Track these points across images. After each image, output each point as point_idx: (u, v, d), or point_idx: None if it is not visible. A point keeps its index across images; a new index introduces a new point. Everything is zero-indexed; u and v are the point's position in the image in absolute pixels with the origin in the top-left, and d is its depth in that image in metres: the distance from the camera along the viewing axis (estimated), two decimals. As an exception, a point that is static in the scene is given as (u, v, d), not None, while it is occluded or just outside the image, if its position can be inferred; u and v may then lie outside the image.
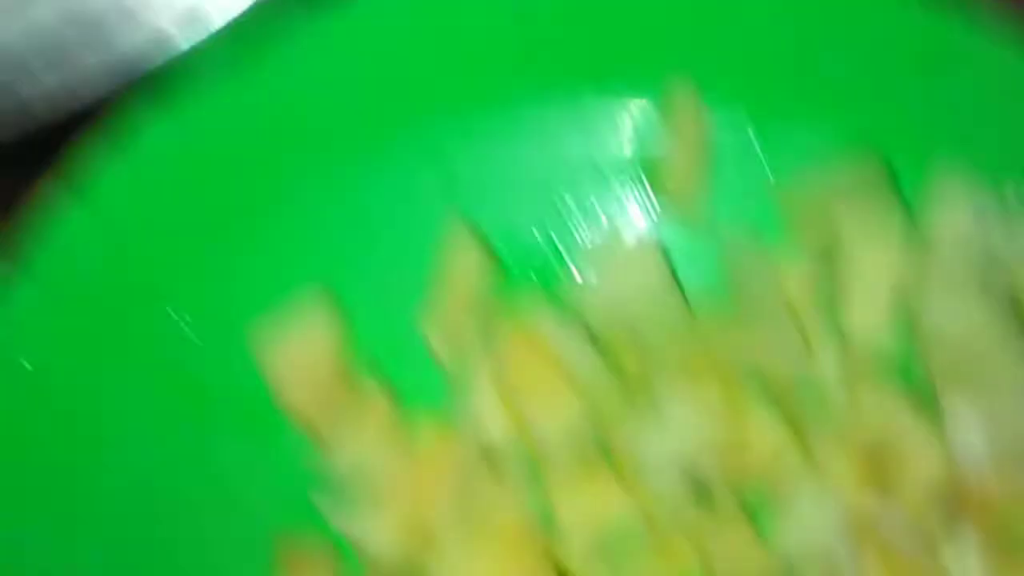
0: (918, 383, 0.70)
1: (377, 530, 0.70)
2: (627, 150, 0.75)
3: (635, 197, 0.75)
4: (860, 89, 0.73)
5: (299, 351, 0.74)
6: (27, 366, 0.72)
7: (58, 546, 0.72)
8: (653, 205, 0.75)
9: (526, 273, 0.75)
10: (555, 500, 0.70)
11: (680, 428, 0.68)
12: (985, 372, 0.64)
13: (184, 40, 0.75)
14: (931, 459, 0.65)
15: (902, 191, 0.72)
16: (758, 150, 0.74)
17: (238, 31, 0.75)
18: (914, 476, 0.65)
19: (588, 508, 0.70)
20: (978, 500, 0.65)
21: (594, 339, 0.72)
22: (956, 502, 0.64)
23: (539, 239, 0.75)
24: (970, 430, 0.63)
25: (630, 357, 0.71)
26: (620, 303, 0.71)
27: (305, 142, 0.74)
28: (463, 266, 0.73)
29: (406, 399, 0.75)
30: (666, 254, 0.73)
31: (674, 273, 0.73)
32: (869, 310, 0.69)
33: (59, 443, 0.72)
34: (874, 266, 0.69)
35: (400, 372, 0.75)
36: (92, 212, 0.72)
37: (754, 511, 0.72)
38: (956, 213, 0.68)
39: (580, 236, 0.75)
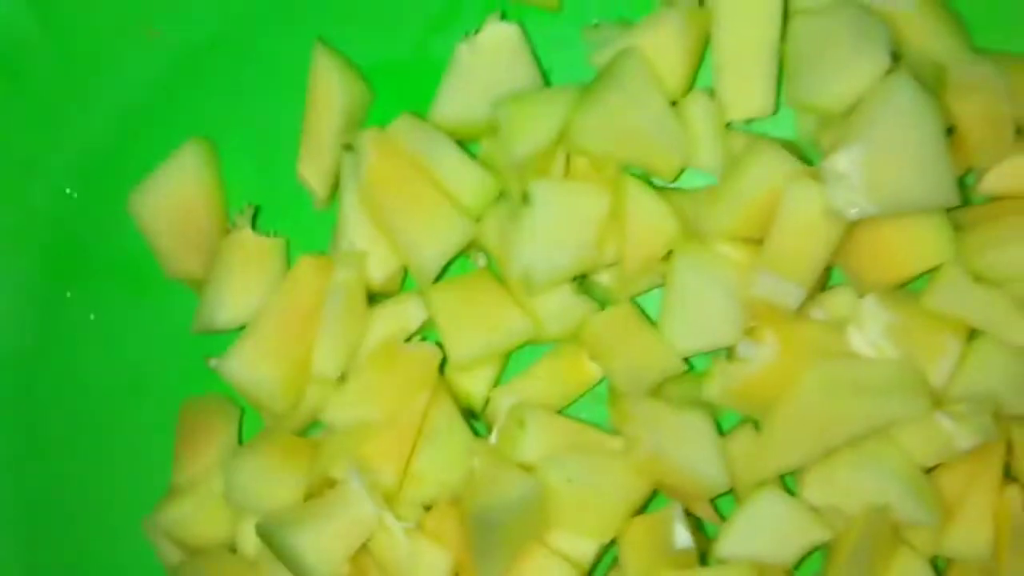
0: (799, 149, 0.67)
1: (262, 374, 0.68)
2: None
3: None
4: None
5: (178, 207, 0.72)
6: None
7: None
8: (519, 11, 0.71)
9: (396, 93, 0.72)
10: (442, 326, 0.68)
11: (556, 231, 0.64)
12: (864, 120, 0.61)
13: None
14: (810, 208, 0.61)
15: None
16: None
17: None
18: (792, 227, 0.61)
19: (478, 327, 0.67)
20: (856, 246, 0.62)
21: (465, 147, 0.70)
22: (832, 249, 0.61)
23: (406, 56, 0.72)
24: (846, 163, 0.59)
25: (503, 162, 0.68)
26: (487, 102, 0.68)
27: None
28: (331, 96, 0.70)
29: (290, 245, 0.73)
30: (535, 54, 0.70)
31: (546, 76, 0.70)
32: (743, 82, 0.65)
33: None
34: (747, 36, 0.65)
35: (282, 219, 0.73)
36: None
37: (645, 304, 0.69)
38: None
39: (446, 47, 0.71)
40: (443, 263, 0.68)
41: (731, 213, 0.63)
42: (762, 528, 0.63)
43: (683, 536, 0.64)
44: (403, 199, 0.68)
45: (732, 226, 0.63)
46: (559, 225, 0.65)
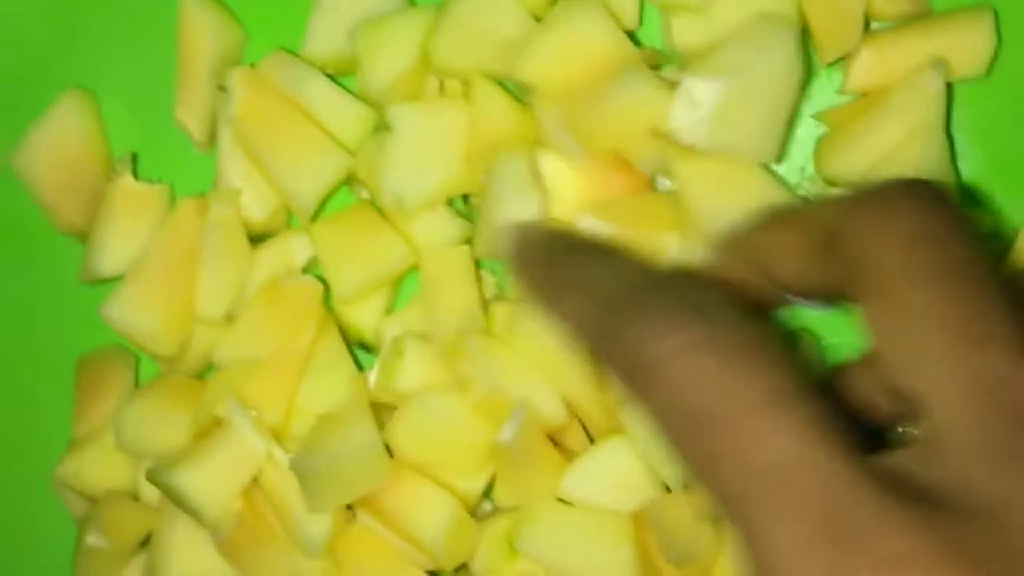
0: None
1: (145, 318, 0.68)
2: None
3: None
4: None
5: (61, 160, 0.72)
6: None
7: None
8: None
9: (271, 31, 0.71)
10: (324, 260, 0.68)
11: (420, 153, 0.64)
12: (736, 59, 0.61)
13: None
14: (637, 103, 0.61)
15: None
16: None
17: None
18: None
19: (359, 258, 0.66)
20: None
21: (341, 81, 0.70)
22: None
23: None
24: (704, 93, 0.60)
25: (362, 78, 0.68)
26: (352, 18, 0.67)
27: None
28: (202, 38, 0.70)
29: (174, 191, 0.73)
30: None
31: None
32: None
33: None
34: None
35: (164, 165, 0.73)
36: None
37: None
38: None
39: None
40: (320, 197, 0.68)
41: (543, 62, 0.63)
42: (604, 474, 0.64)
43: (507, 432, 0.63)
44: (277, 135, 0.68)
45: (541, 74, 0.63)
46: (422, 146, 0.65)
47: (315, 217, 0.69)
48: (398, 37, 0.66)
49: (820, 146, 0.65)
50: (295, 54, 0.69)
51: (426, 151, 0.65)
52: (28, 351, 0.75)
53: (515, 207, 0.63)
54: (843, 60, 0.65)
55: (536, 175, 0.64)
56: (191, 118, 0.71)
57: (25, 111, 0.73)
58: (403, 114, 0.65)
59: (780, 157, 0.64)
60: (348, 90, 0.69)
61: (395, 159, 0.65)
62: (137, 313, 0.68)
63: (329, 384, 0.67)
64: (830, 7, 0.62)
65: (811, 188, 0.67)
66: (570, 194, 0.65)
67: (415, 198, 0.65)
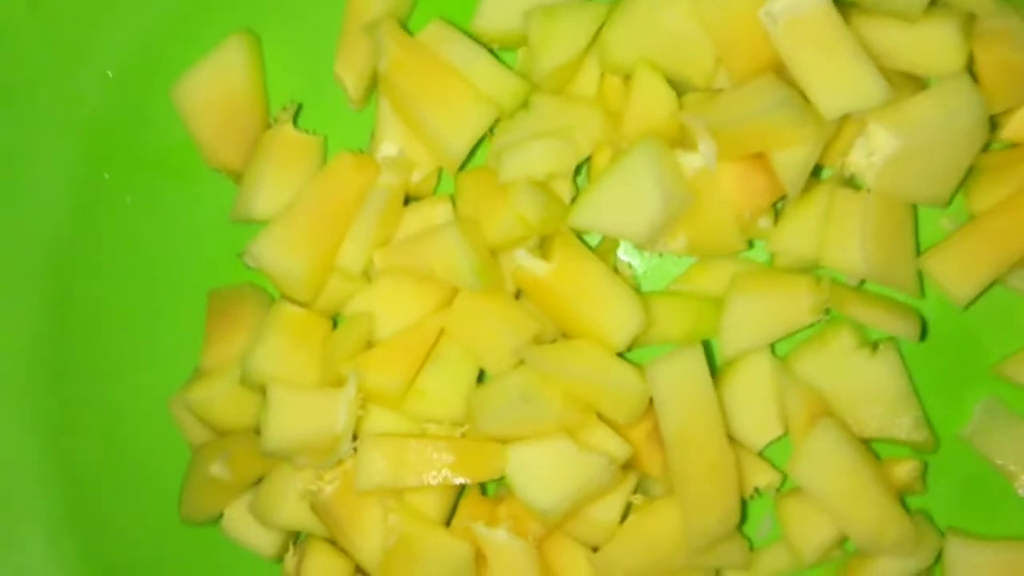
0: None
1: (288, 260, 0.71)
2: None
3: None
4: None
5: (220, 99, 0.76)
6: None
7: (5, 298, 0.79)
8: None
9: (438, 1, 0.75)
10: (464, 211, 0.72)
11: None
12: (919, 115, 0.65)
13: None
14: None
15: None
16: None
17: None
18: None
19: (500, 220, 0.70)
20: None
21: (492, 47, 0.73)
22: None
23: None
24: (883, 142, 0.64)
25: (529, 59, 0.71)
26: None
27: None
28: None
29: (328, 142, 0.76)
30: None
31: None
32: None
33: None
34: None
35: (322, 116, 0.77)
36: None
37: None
38: None
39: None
40: (468, 148, 0.72)
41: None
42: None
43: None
44: (426, 89, 0.72)
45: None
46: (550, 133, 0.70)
47: (463, 167, 0.74)
48: (571, 27, 0.70)
49: (971, 186, 0.68)
50: (459, 26, 0.74)
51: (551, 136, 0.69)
52: (164, 277, 0.79)
53: (647, 188, 0.66)
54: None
55: (677, 171, 0.68)
56: (349, 74, 0.76)
57: (190, 47, 0.77)
58: (544, 102, 0.70)
59: (948, 203, 0.68)
60: (505, 64, 0.74)
61: (519, 137, 0.69)
62: (281, 256, 0.72)
63: (453, 372, 0.71)
64: (1002, 60, 0.66)
65: (950, 224, 0.70)
66: (708, 193, 0.69)
67: (514, 173, 0.69)
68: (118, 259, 0.79)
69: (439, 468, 0.71)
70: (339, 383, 0.72)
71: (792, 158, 0.66)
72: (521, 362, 0.71)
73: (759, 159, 0.68)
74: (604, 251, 0.74)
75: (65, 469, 0.80)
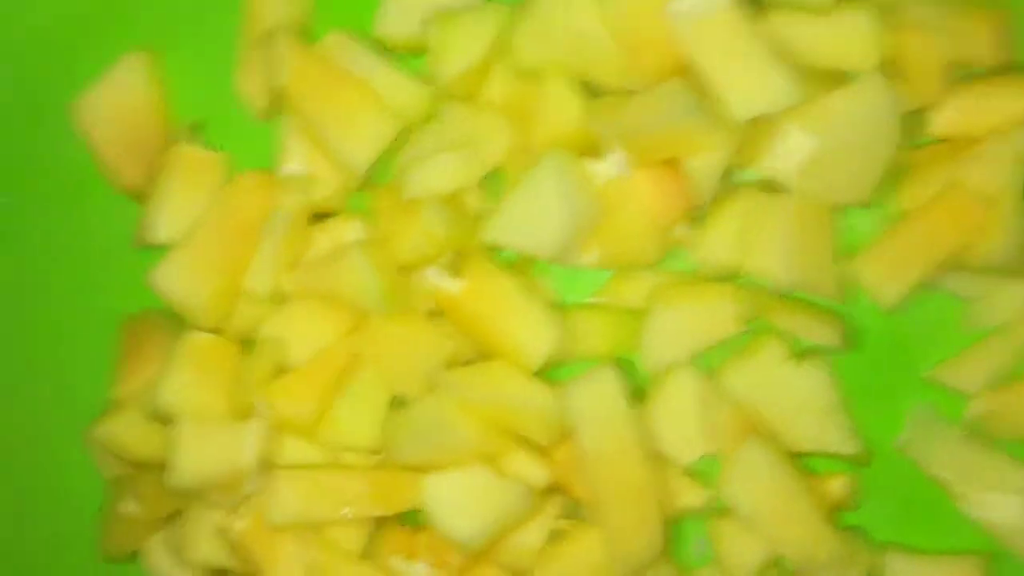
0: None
1: (191, 287, 0.69)
2: None
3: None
4: None
5: (121, 117, 0.73)
6: None
7: None
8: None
9: (340, 5, 0.72)
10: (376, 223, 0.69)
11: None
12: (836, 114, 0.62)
13: None
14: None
15: None
16: None
17: None
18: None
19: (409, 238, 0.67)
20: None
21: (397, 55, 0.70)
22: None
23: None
24: (798, 144, 0.61)
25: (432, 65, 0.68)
26: (427, 2, 0.68)
27: None
28: (269, 6, 0.71)
29: (234, 160, 0.73)
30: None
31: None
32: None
33: None
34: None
35: (226, 132, 0.74)
36: None
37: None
38: None
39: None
40: (369, 161, 0.69)
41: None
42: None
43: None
44: (326, 101, 0.69)
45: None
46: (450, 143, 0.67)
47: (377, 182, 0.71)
48: (472, 31, 0.67)
49: (901, 184, 0.65)
50: (362, 33, 0.70)
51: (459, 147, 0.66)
52: (72, 306, 0.76)
53: (554, 202, 0.64)
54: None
55: (585, 182, 0.65)
56: (251, 87, 0.73)
57: (88, 65, 0.74)
58: (452, 111, 0.67)
59: (870, 203, 0.65)
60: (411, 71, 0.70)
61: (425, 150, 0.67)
62: (185, 283, 0.69)
63: (367, 400, 0.69)
64: (927, 50, 0.63)
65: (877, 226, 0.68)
66: (621, 202, 0.66)
67: (419, 188, 0.67)
68: (25, 287, 0.76)
69: (353, 501, 0.68)
70: (249, 413, 0.69)
71: (704, 164, 0.63)
72: (436, 386, 0.69)
73: (672, 165, 0.65)
74: (522, 265, 0.71)
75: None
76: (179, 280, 0.70)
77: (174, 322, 0.75)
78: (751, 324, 0.68)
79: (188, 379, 0.70)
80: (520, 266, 0.71)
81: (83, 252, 0.76)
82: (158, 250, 0.72)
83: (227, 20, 0.73)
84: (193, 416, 0.69)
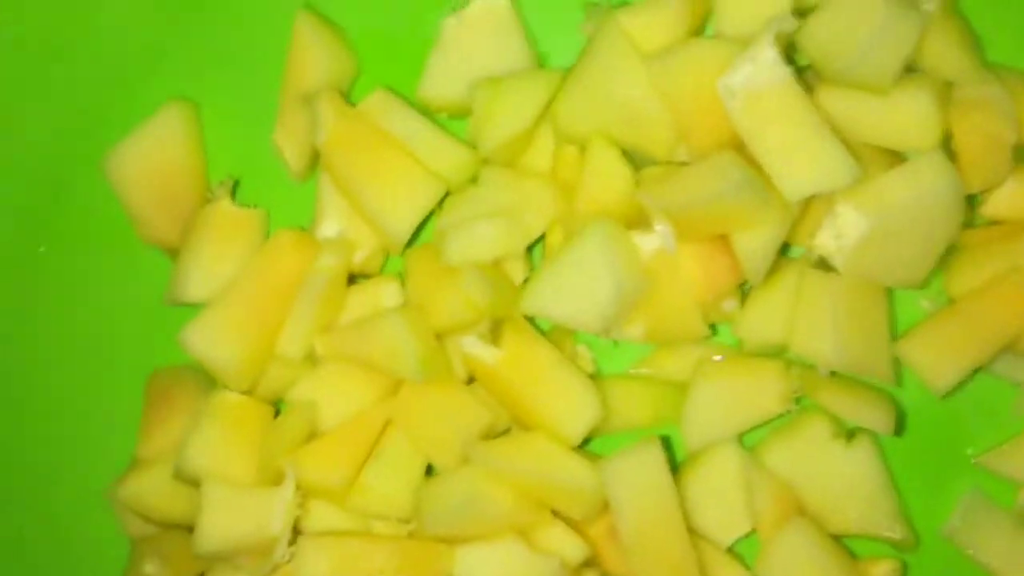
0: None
1: (223, 348, 0.67)
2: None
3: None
4: None
5: (155, 171, 0.72)
6: None
7: None
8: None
9: (385, 67, 0.71)
10: (413, 286, 0.67)
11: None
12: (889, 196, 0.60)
13: None
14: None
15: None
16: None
17: None
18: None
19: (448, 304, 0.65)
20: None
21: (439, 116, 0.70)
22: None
23: (398, 28, 0.71)
24: (852, 224, 0.60)
25: (476, 129, 0.67)
26: (472, 66, 0.67)
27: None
28: (311, 65, 0.70)
29: (270, 217, 0.72)
30: (526, 24, 0.69)
31: (543, 58, 0.69)
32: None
33: None
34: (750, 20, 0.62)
35: (263, 190, 0.73)
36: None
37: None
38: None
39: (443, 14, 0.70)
40: (411, 228, 0.68)
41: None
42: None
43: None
44: (367, 163, 0.68)
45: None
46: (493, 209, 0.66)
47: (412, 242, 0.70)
48: (520, 98, 0.66)
49: (951, 266, 0.64)
50: (403, 95, 0.70)
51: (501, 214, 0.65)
52: (99, 359, 0.75)
53: (600, 275, 0.63)
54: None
55: (632, 255, 0.64)
56: (289, 146, 0.72)
57: (124, 116, 0.72)
58: (495, 176, 0.66)
59: (925, 285, 0.64)
60: (454, 134, 0.70)
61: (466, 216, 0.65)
62: (217, 343, 0.68)
63: (399, 467, 0.67)
64: (982, 132, 0.62)
65: (928, 306, 0.66)
66: (667, 277, 0.65)
67: (459, 255, 0.65)
68: (53, 337, 0.75)
69: (383, 571, 0.66)
70: (279, 477, 0.68)
71: (754, 241, 0.62)
72: (470, 457, 0.67)
73: (721, 240, 0.64)
74: (560, 335, 0.69)
75: (1, 562, 0.76)
76: (211, 340, 0.68)
77: (202, 379, 0.74)
78: (796, 403, 0.67)
79: (216, 440, 0.69)
80: (559, 334, 0.70)
81: (112, 305, 0.74)
82: (189, 306, 0.71)
83: (266, 76, 0.72)
84: (221, 478, 0.68)
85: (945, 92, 0.62)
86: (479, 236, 0.66)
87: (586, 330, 0.64)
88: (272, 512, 0.67)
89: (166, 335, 0.72)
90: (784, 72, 0.60)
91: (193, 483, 0.69)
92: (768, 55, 0.60)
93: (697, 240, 0.64)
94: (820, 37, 0.61)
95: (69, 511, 0.76)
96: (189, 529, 0.71)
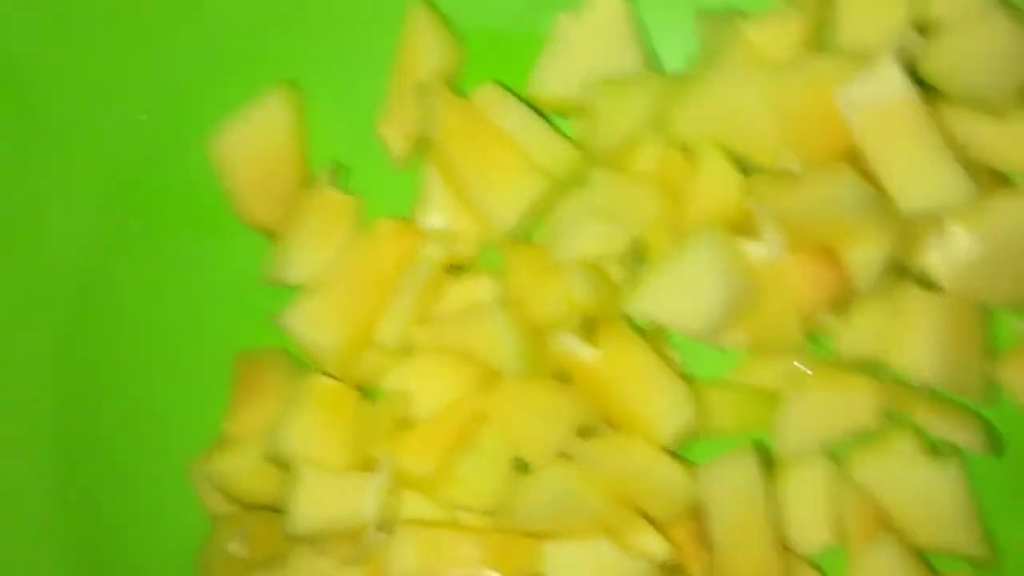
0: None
1: (324, 332, 0.68)
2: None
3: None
4: None
5: (259, 154, 0.73)
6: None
7: (11, 355, 0.75)
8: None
9: (493, 61, 0.72)
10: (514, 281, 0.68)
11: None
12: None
13: None
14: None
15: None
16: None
17: None
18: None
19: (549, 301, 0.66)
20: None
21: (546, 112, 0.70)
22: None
23: (508, 25, 0.72)
24: (966, 244, 0.61)
25: (588, 130, 0.69)
26: (585, 78, 0.68)
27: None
28: (421, 56, 0.71)
29: (368, 203, 0.73)
30: (639, 25, 0.70)
31: (653, 58, 0.70)
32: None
33: (11, 250, 0.74)
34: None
35: (363, 175, 0.74)
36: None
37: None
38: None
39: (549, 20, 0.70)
40: (518, 220, 0.69)
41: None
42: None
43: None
44: (476, 156, 0.68)
45: None
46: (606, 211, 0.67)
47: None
48: (637, 101, 0.66)
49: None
50: (511, 89, 0.70)
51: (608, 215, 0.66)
52: (189, 334, 0.75)
53: (710, 281, 0.63)
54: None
55: (741, 264, 0.64)
56: (394, 134, 0.72)
57: (229, 97, 0.73)
58: (602, 176, 0.67)
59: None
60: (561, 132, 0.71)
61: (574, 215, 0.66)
62: (317, 327, 0.69)
63: (490, 460, 0.68)
64: None
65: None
66: (772, 285, 0.65)
67: (566, 253, 0.66)
68: (142, 312, 0.75)
69: (471, 562, 0.67)
70: (370, 463, 0.69)
71: (867, 256, 0.63)
72: (562, 454, 0.68)
73: (827, 252, 0.64)
74: (654, 336, 0.70)
75: (80, 532, 0.76)
76: (312, 324, 0.69)
77: (292, 361, 0.75)
78: (888, 417, 0.68)
79: (310, 424, 0.69)
80: (652, 336, 0.71)
81: (208, 282, 0.75)
82: (282, 288, 0.72)
83: (373, 63, 0.73)
84: (314, 462, 0.68)
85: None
86: (587, 236, 0.67)
87: (691, 335, 0.65)
88: (365, 498, 0.67)
89: (257, 316, 0.73)
90: (907, 88, 0.61)
91: (283, 465, 0.70)
92: (892, 71, 0.61)
93: (805, 250, 0.64)
94: (942, 56, 0.62)
95: (149, 484, 0.76)
96: (273, 510, 0.72)
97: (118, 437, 0.76)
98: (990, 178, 0.64)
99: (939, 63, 0.62)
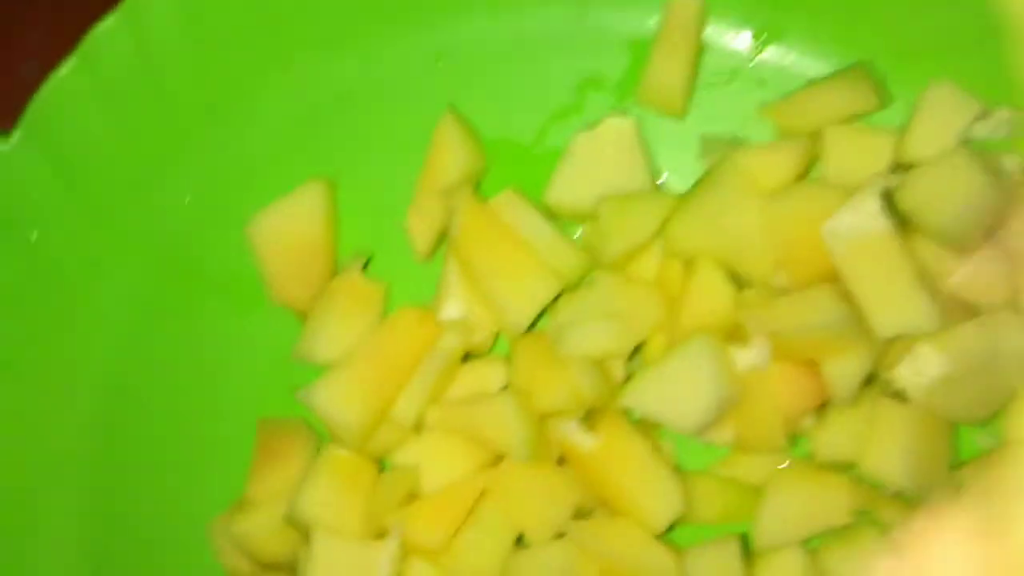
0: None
1: (346, 409, 0.74)
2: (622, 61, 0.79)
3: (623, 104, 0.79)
4: (859, 20, 0.76)
5: (293, 240, 0.80)
6: (31, 237, 0.79)
7: (51, 415, 0.80)
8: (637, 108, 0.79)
9: (510, 170, 0.79)
10: (519, 370, 0.74)
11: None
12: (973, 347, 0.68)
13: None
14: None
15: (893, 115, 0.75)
16: (752, 66, 0.78)
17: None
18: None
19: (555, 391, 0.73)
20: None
21: (558, 219, 0.77)
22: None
23: (526, 139, 0.79)
24: (934, 365, 0.68)
25: (596, 237, 0.75)
26: (595, 190, 0.75)
27: (307, 29, 0.80)
28: (450, 160, 0.77)
29: (392, 293, 0.79)
30: (647, 146, 0.77)
31: (657, 173, 0.77)
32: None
33: (57, 315, 0.80)
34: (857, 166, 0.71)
35: (386, 265, 0.80)
36: (97, 81, 0.79)
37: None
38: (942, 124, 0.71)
39: (563, 135, 0.78)
40: (531, 318, 0.75)
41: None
42: None
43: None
44: (493, 256, 0.75)
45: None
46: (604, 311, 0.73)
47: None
48: (642, 216, 0.73)
49: (1012, 407, 0.70)
50: (528, 197, 0.77)
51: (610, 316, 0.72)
52: (215, 402, 0.81)
53: (702, 384, 0.70)
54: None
55: (730, 368, 0.71)
56: (419, 228, 0.79)
57: (269, 188, 0.80)
58: (606, 280, 0.74)
59: (987, 423, 0.71)
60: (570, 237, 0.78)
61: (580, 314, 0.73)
62: (338, 404, 0.74)
63: (487, 542, 0.73)
64: None
65: (985, 441, 0.74)
66: (758, 390, 0.72)
67: (573, 349, 0.72)
68: (176, 380, 0.81)
69: (471, 630, 0.73)
70: (381, 532, 0.75)
71: (845, 368, 0.69)
72: (560, 533, 0.73)
73: (809, 363, 0.71)
74: (648, 428, 0.76)
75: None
76: (334, 401, 0.75)
77: (311, 431, 0.81)
78: (858, 515, 0.74)
79: (327, 492, 0.75)
80: (647, 429, 0.77)
81: (236, 354, 0.81)
82: (306, 365, 0.78)
83: (402, 164, 0.80)
84: (330, 528, 0.74)
85: (1019, 258, 0.70)
86: (592, 334, 0.73)
87: (681, 431, 0.71)
88: (378, 565, 0.73)
89: (280, 388, 0.80)
90: (885, 223, 0.68)
91: (301, 528, 0.76)
92: (872, 206, 0.68)
93: (789, 360, 0.71)
94: (917, 193, 0.69)
95: (173, 541, 0.81)
96: (289, 570, 0.77)
97: (145, 494, 0.82)
98: (957, 306, 0.71)
99: (914, 199, 0.69)
